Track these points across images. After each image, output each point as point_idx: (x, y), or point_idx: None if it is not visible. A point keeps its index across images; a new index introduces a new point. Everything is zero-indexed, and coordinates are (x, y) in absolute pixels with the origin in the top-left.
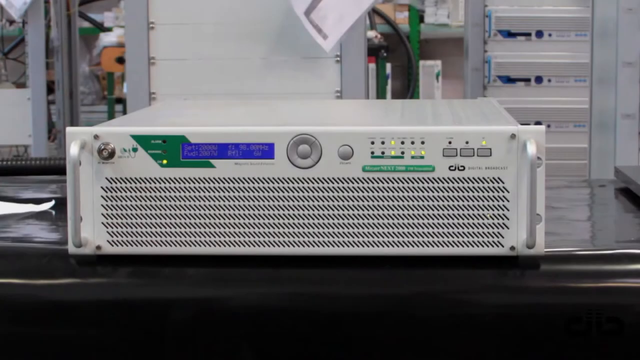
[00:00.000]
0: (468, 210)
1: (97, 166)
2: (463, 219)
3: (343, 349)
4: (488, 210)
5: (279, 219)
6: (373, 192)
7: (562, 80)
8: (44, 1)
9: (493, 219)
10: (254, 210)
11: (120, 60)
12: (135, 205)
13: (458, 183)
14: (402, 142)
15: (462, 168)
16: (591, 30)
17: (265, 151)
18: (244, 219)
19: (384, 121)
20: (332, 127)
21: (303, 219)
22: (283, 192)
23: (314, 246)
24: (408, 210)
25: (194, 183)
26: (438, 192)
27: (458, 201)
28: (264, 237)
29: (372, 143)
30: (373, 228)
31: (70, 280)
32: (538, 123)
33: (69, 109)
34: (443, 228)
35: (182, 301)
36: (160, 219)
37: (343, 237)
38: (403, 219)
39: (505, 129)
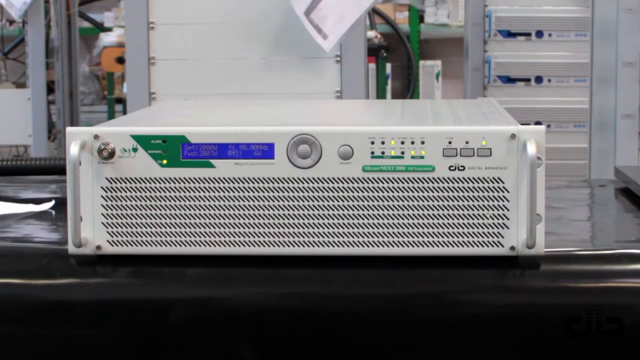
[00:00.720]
0: (468, 210)
1: (97, 166)
2: (463, 219)
3: (343, 349)
4: (488, 210)
5: (279, 219)
6: (373, 192)
7: (562, 80)
8: (44, 1)
9: (493, 219)
10: (254, 210)
11: (120, 60)
12: (135, 205)
13: (458, 183)
14: (402, 142)
15: (462, 168)
16: (591, 30)
17: (265, 151)
18: (244, 219)
19: (384, 121)
20: (332, 127)
21: (303, 219)
22: (283, 192)
23: (314, 246)
24: (408, 210)
25: (194, 183)
26: (438, 192)
27: (458, 201)
28: (264, 237)
29: (372, 143)
30: (373, 228)
31: (70, 280)
32: (538, 123)
33: (69, 109)
34: (443, 228)
35: (182, 301)
36: (161, 219)
37: (343, 237)
38: (403, 219)
39: (505, 129)
